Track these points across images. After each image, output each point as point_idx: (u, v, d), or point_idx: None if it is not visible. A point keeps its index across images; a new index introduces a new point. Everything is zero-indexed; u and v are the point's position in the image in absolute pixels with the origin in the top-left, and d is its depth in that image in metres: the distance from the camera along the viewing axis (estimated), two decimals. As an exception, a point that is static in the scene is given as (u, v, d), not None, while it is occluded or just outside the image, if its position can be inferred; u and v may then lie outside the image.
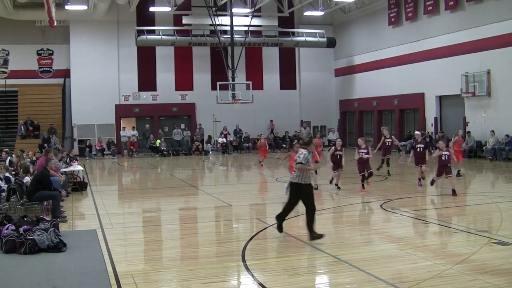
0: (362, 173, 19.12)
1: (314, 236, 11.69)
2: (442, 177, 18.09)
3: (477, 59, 31.76)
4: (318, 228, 11.89)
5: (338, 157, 19.61)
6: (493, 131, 30.71)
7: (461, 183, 22.36)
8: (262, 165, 29.27)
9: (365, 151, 19.27)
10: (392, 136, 25.91)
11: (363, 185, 19.13)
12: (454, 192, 17.44)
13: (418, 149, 20.51)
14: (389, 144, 24.87)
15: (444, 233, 12.60)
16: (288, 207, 12.20)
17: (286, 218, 12.41)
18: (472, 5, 32.25)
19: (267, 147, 31.76)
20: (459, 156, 22.24)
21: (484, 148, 31.41)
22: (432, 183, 18.88)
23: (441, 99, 35.99)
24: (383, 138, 24.71)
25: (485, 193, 17.40)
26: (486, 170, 27.57)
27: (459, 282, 8.79)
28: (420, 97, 37.07)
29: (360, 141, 19.96)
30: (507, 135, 29.99)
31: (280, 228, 12.24)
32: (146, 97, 42.94)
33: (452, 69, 33.43)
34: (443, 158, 17.82)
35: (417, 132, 22.57)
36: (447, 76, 33.97)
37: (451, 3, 33.47)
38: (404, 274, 9.24)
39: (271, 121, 44.80)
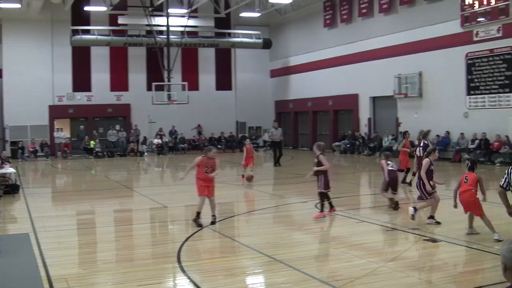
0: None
1: None
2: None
3: (410, 61, 32.49)
4: (253, 229, 11.96)
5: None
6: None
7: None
8: (243, 176, 23.67)
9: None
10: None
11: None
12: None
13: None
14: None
15: (377, 232, 12.82)
16: None
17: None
18: (405, 9, 32.99)
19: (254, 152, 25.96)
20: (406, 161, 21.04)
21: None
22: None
23: (374, 100, 36.65)
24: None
25: (415, 192, 17.71)
26: (416, 170, 28.07)
27: (392, 279, 9.00)
28: (354, 98, 37.64)
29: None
30: (438, 136, 30.77)
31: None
32: (80, 98, 42.29)
33: (385, 70, 34.08)
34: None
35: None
36: (380, 78, 34.60)
37: (385, 6, 34.16)
38: (338, 273, 9.39)
39: (199, 124, 44.65)
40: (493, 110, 28.24)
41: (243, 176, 23.35)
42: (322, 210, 14.20)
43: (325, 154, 14.54)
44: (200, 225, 13.20)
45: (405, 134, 23.19)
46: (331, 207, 14.48)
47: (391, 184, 15.85)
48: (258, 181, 22.51)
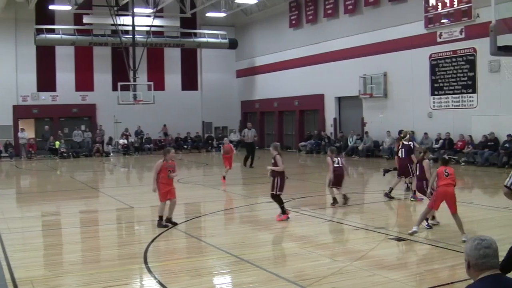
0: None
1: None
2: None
3: (374, 62, 32.78)
4: (220, 229, 11.97)
5: None
6: (389, 131, 31.76)
7: (359, 182, 23.02)
8: (224, 178, 22.51)
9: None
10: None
11: None
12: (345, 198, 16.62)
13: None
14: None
15: (343, 231, 12.93)
16: None
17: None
18: (370, 10, 33.28)
19: (234, 152, 24.61)
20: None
21: (381, 147, 32.42)
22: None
23: (340, 100, 36.88)
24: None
25: (382, 191, 17.88)
26: (382, 169, 28.35)
27: (358, 277, 9.09)
28: (320, 98, 37.84)
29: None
30: (403, 135, 31.08)
31: None
32: (45, 98, 41.84)
33: (350, 71, 34.32)
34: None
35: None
36: (345, 78, 34.84)
37: (350, 7, 34.41)
38: (305, 272, 9.45)
39: (164, 125, 44.47)
40: (456, 110, 28.62)
41: (224, 177, 22.34)
42: (283, 212, 14.08)
43: (282, 155, 14.38)
44: (165, 226, 13.18)
45: (400, 133, 20.79)
46: (283, 212, 14.10)
47: (336, 180, 16.14)
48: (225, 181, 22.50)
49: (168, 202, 13.39)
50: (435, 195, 11.68)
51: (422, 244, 11.30)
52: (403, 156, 17.08)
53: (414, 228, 11.75)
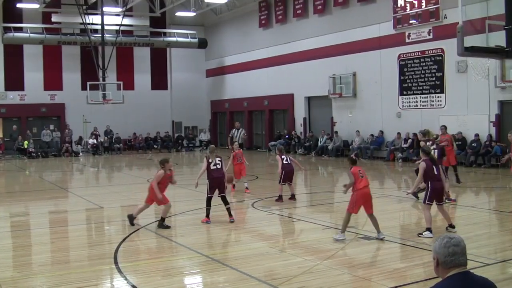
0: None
1: None
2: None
3: (344, 62, 32.97)
4: (190, 229, 11.95)
5: None
6: (358, 131, 32.01)
7: (329, 181, 23.13)
8: (234, 186, 19.68)
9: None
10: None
11: None
12: (293, 197, 17.01)
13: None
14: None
15: (313, 230, 12.97)
16: None
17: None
18: (339, 10, 33.46)
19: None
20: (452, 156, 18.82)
21: (350, 147, 32.60)
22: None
23: (309, 99, 37.03)
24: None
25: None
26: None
27: (328, 276, 9.17)
28: (290, 98, 37.96)
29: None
30: (372, 135, 31.39)
31: None
32: (13, 97, 41.41)
33: (320, 71, 34.49)
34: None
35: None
36: (315, 78, 34.98)
37: (319, 7, 34.57)
38: (275, 271, 9.49)
39: (134, 133, 44.34)
40: (425, 110, 28.90)
41: (247, 188, 19.36)
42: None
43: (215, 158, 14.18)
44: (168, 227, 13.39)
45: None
46: (207, 215, 13.99)
47: (287, 176, 16.65)
48: (194, 181, 22.39)
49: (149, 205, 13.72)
50: (354, 199, 11.69)
51: (391, 243, 11.41)
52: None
53: (338, 237, 11.62)
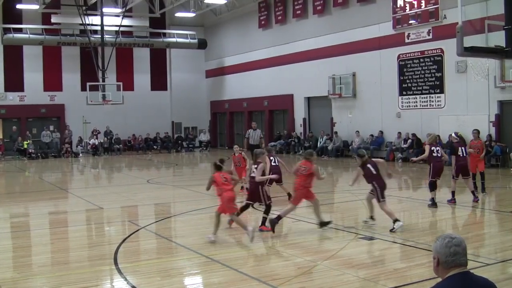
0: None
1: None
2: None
3: (343, 62, 32.98)
4: (190, 229, 11.94)
5: None
6: (358, 131, 32.02)
7: (329, 182, 23.12)
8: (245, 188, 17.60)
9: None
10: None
11: None
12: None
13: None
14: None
15: (313, 230, 12.95)
16: None
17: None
18: (339, 10, 33.47)
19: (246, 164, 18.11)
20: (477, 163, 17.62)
21: (350, 147, 32.62)
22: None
23: (309, 100, 37.03)
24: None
25: (351, 191, 18.00)
26: (352, 169, 28.56)
27: (328, 277, 9.16)
28: (289, 98, 37.97)
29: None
30: (371, 135, 31.39)
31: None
32: (13, 98, 41.40)
33: (319, 71, 34.49)
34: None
35: (453, 134, 18.08)
36: (315, 78, 34.98)
37: (319, 7, 34.57)
38: (275, 272, 9.49)
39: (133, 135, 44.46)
40: (424, 110, 28.92)
41: (242, 188, 18.29)
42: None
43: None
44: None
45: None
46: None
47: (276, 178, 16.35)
48: (194, 182, 22.47)
49: None
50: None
51: (391, 243, 11.40)
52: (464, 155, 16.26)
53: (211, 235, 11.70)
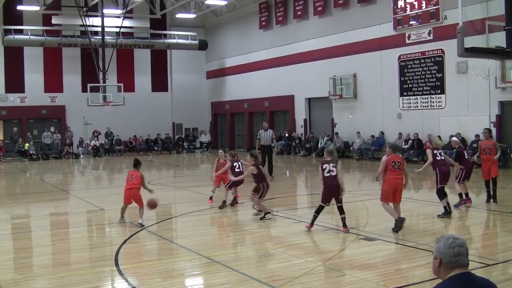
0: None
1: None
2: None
3: (344, 63, 33.00)
4: (191, 230, 11.92)
5: None
6: (359, 132, 32.03)
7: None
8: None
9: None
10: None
11: None
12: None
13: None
14: None
15: (314, 231, 12.95)
16: None
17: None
18: (339, 11, 33.48)
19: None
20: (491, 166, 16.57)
21: (351, 148, 32.63)
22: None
23: (310, 101, 37.04)
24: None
25: (352, 192, 18.01)
26: (353, 170, 28.62)
27: (329, 277, 9.19)
28: (290, 99, 37.97)
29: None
30: (372, 136, 31.40)
31: None
32: (13, 99, 41.45)
33: (320, 72, 34.50)
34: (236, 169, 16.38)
35: (454, 138, 17.93)
36: (315, 79, 35.01)
37: (320, 8, 34.58)
38: (277, 273, 9.47)
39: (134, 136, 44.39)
40: (425, 110, 28.93)
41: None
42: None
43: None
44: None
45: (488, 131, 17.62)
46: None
47: (237, 182, 16.30)
48: (195, 183, 22.47)
49: None
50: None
51: (392, 244, 11.41)
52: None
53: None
